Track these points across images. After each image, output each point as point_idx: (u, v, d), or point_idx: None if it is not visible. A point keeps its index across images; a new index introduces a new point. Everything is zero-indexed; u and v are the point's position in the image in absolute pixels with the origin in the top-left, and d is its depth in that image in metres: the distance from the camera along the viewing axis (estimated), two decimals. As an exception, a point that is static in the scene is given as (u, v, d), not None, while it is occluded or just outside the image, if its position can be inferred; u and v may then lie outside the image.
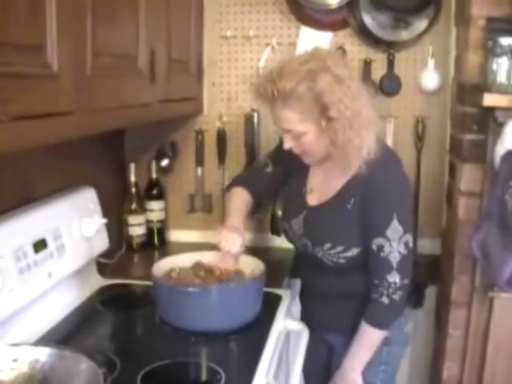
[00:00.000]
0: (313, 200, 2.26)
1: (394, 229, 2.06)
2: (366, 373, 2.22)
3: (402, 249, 2.08)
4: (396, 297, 2.11)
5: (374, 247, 2.09)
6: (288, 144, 2.11)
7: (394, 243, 2.06)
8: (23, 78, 1.45)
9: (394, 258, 2.08)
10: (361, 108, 2.02)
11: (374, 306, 2.14)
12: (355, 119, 1.99)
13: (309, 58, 2.03)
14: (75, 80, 1.69)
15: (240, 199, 2.38)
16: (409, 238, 2.09)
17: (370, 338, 2.17)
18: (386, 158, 2.13)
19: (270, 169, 2.41)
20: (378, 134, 2.10)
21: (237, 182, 2.48)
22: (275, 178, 2.43)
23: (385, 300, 2.11)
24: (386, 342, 2.22)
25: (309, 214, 2.24)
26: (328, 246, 2.15)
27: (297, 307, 2.46)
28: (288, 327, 2.28)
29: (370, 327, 2.14)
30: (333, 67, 1.99)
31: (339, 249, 2.14)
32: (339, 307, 2.28)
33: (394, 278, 2.09)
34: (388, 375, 2.34)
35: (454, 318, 2.67)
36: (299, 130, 2.03)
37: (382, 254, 2.08)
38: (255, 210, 2.66)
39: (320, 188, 2.24)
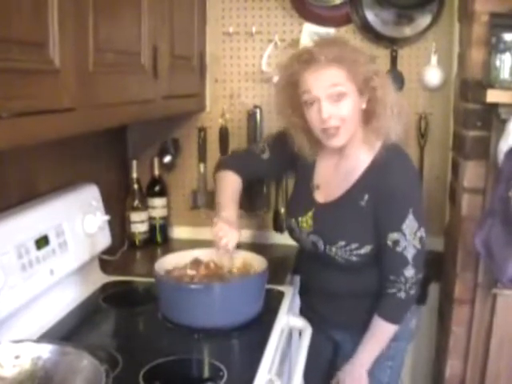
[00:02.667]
0: (320, 197, 2.25)
1: (410, 223, 2.06)
2: (374, 369, 2.23)
3: (417, 243, 2.09)
4: (412, 291, 2.12)
5: (390, 243, 2.09)
6: (327, 111, 2.04)
7: (410, 237, 2.07)
8: (25, 74, 1.45)
9: (410, 253, 2.08)
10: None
11: (390, 301, 2.15)
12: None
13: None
14: (77, 76, 1.68)
15: (232, 187, 2.36)
16: (423, 232, 2.10)
17: (382, 333, 2.17)
18: (400, 154, 2.17)
19: (266, 156, 2.39)
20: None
21: (228, 163, 2.45)
22: (270, 165, 2.41)
23: (402, 295, 2.11)
24: (393, 338, 2.22)
25: (318, 212, 2.23)
26: (342, 243, 2.14)
27: (296, 304, 2.46)
28: (291, 324, 2.28)
29: (385, 322, 2.14)
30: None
31: (354, 246, 2.13)
32: (348, 305, 2.27)
33: (410, 272, 2.10)
34: (394, 370, 2.35)
35: (457, 315, 2.67)
36: (344, 87, 2.03)
37: (398, 249, 2.08)
38: (249, 203, 2.63)
39: (327, 184, 2.23)
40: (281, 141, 2.38)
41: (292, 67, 2.11)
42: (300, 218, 2.27)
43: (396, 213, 2.09)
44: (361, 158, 2.14)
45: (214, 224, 2.16)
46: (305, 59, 2.06)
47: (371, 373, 2.22)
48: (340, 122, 2.07)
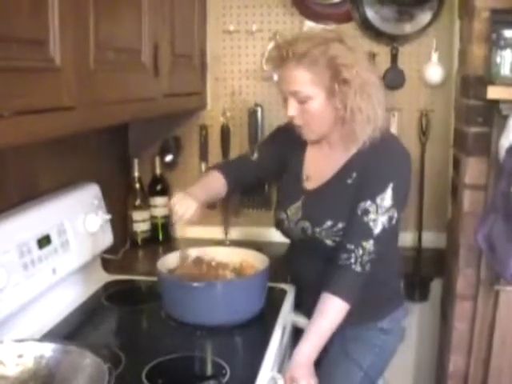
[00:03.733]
0: (310, 185, 2.23)
1: (385, 198, 2.02)
2: (357, 354, 2.21)
3: (386, 221, 2.03)
4: (367, 268, 2.01)
5: (359, 211, 2.04)
6: (292, 110, 2.08)
7: (380, 211, 2.02)
8: (26, 72, 1.46)
9: (376, 227, 2.02)
10: (372, 79, 2.06)
11: (344, 274, 2.02)
12: (366, 87, 2.02)
13: (326, 30, 2.16)
14: (78, 74, 1.69)
15: (207, 180, 2.32)
16: (395, 214, 2.04)
17: (333, 312, 2.00)
18: (392, 137, 2.19)
19: (255, 157, 2.38)
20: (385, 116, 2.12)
21: (217, 166, 2.43)
22: (260, 166, 2.39)
23: (357, 268, 2.00)
24: (383, 332, 2.21)
25: (307, 199, 2.21)
26: (329, 224, 2.10)
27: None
28: (293, 322, 2.28)
29: (337, 299, 1.98)
30: (347, 39, 2.05)
31: (340, 226, 2.09)
32: None
33: (370, 245, 2.01)
34: (379, 359, 2.28)
35: (459, 312, 2.67)
36: (307, 92, 2.02)
37: (365, 219, 2.02)
38: (251, 200, 2.61)
39: (317, 173, 2.22)
40: (269, 140, 2.42)
41: (268, 60, 2.17)
42: (289, 208, 2.24)
43: (375, 183, 2.05)
44: (351, 146, 2.13)
45: (174, 195, 2.15)
46: (274, 57, 2.10)
47: (351, 357, 2.21)
48: (303, 122, 2.10)
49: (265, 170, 2.42)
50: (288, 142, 2.28)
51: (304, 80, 2.02)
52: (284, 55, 2.03)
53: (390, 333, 2.25)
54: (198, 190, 2.21)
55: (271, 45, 2.99)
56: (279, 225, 2.32)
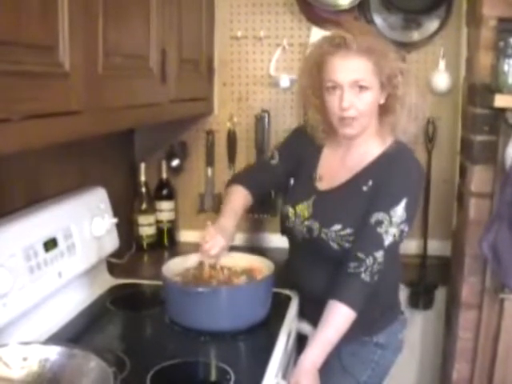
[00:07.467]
0: (322, 186, 2.23)
1: (399, 211, 2.02)
2: (354, 368, 2.21)
3: (397, 234, 2.03)
4: (376, 278, 2.01)
5: (372, 221, 2.03)
6: (348, 100, 2.04)
7: (394, 223, 2.02)
8: (34, 77, 1.46)
9: (388, 239, 2.02)
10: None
11: (353, 282, 2.01)
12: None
13: None
14: (86, 79, 1.69)
15: (236, 199, 2.34)
16: (406, 228, 2.05)
17: (340, 321, 1.98)
18: (409, 150, 2.20)
19: (275, 161, 2.38)
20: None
21: (238, 178, 2.44)
22: (280, 170, 2.38)
23: (367, 277, 1.99)
24: (380, 346, 2.21)
25: (318, 199, 2.20)
26: (337, 227, 2.10)
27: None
28: (297, 328, 2.28)
29: (345, 307, 1.96)
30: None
31: (348, 231, 2.09)
32: None
33: (380, 256, 2.01)
34: (376, 375, 2.27)
35: (464, 320, 2.67)
36: (368, 81, 2.04)
37: (379, 230, 2.02)
38: (257, 206, 2.62)
39: (330, 175, 2.22)
40: (288, 143, 2.41)
41: (321, 48, 2.10)
42: (298, 206, 2.24)
43: (389, 196, 2.05)
44: (369, 151, 2.15)
45: (206, 228, 2.17)
46: (337, 43, 2.05)
47: (348, 371, 2.21)
48: (357, 114, 2.08)
49: (284, 174, 2.41)
50: (305, 142, 2.29)
51: (366, 68, 2.03)
52: (349, 44, 2.02)
53: (386, 347, 2.24)
54: (226, 219, 2.24)
55: (279, 51, 3.01)
56: (285, 221, 2.31)
